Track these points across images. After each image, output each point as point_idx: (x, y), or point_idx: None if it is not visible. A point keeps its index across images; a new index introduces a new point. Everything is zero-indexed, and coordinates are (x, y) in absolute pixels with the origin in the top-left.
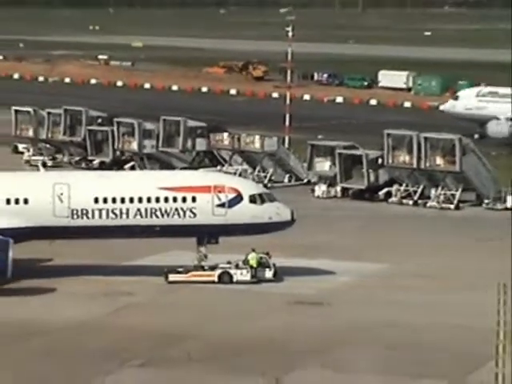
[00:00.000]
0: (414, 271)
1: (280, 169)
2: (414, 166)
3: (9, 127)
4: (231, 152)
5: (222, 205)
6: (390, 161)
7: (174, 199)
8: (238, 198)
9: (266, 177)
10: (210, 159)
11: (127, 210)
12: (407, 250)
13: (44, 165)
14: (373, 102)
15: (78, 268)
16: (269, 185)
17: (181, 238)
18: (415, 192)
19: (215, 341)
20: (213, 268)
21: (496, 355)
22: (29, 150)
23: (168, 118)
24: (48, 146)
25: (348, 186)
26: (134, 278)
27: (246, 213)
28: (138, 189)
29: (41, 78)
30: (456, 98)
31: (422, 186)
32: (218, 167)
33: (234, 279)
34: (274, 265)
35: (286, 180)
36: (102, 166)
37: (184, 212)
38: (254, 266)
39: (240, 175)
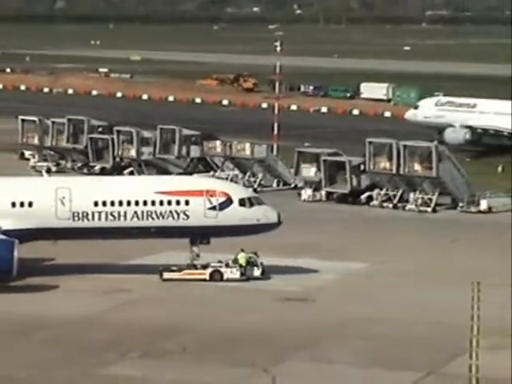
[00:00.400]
0: (394, 270)
1: (269, 174)
2: (394, 171)
3: (16, 135)
4: (223, 158)
5: (214, 208)
6: (372, 167)
7: (169, 202)
8: (229, 202)
9: (255, 182)
10: (204, 165)
11: (125, 212)
12: (388, 249)
13: (49, 170)
14: (355, 111)
15: (79, 267)
16: (258, 189)
17: (175, 239)
18: (395, 196)
19: (208, 334)
20: (205, 267)
21: (470, 348)
22: (34, 157)
23: (164, 127)
24: (52, 152)
25: (332, 191)
26: (132, 276)
27: (235, 215)
28: (135, 193)
29: (46, 90)
30: (416, 108)
31: (401, 191)
32: (211, 173)
33: (225, 277)
34: (261, 264)
35: (275, 185)
36: (103, 172)
37: (178, 214)
38: (243, 264)
39: (231, 180)
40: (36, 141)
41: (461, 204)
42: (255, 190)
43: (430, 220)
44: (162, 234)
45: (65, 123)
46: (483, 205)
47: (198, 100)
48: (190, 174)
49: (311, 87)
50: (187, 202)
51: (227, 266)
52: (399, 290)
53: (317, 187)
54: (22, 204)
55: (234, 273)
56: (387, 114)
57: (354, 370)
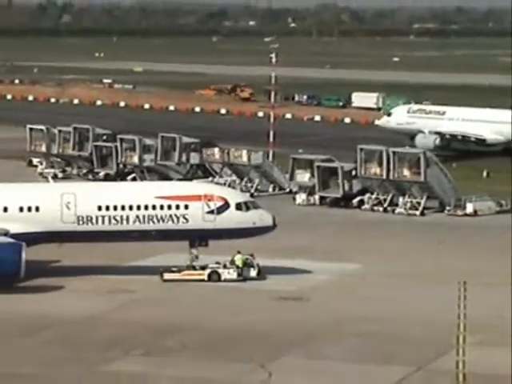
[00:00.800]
0: (385, 270)
1: (265, 180)
2: (384, 177)
3: (24, 143)
4: (221, 165)
5: (212, 212)
6: (363, 172)
7: (169, 207)
8: (226, 206)
9: (252, 187)
10: (203, 171)
11: (127, 216)
12: (379, 251)
13: (55, 177)
14: (347, 120)
15: (83, 268)
16: (255, 194)
17: (175, 242)
18: (385, 200)
19: (207, 332)
20: (203, 268)
21: (457, 345)
22: (42, 164)
23: (165, 135)
24: (59, 159)
25: (325, 195)
26: (134, 277)
27: (232, 219)
28: (137, 198)
29: (52, 100)
30: (389, 115)
31: (391, 195)
32: (210, 178)
33: (222, 278)
34: (257, 265)
35: (271, 190)
36: (107, 178)
37: (177, 218)
38: (240, 265)
39: (229, 186)
40: (43, 148)
41: (448, 207)
42: (252, 195)
43: (419, 223)
44: (163, 237)
45: (71, 132)
46: (469, 208)
47: (197, 109)
48: (190, 179)
49: (305, 97)
50: (186, 207)
51: (225, 267)
52: (390, 289)
53: (311, 192)
54: (29, 209)
55: (232, 273)
56: (377, 122)
57: (346, 365)
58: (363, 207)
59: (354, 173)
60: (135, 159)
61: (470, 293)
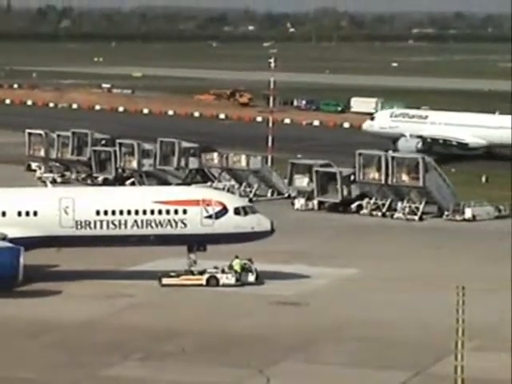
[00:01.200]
0: (384, 275)
1: (264, 184)
2: (383, 181)
3: (23, 148)
4: (220, 170)
5: (210, 216)
6: (361, 177)
7: (167, 211)
8: (224, 211)
9: (251, 192)
10: (202, 176)
11: (125, 221)
12: (377, 256)
13: (54, 181)
14: (346, 125)
15: (82, 273)
16: (254, 199)
17: (173, 246)
18: (383, 205)
19: (206, 337)
20: (201, 273)
21: (455, 350)
22: (40, 168)
23: (164, 140)
24: (57, 164)
25: (324, 200)
26: (133, 281)
27: (230, 223)
28: (135, 202)
29: (51, 104)
30: (373, 119)
31: (389, 200)
32: (209, 183)
33: (220, 283)
34: (255, 270)
35: (269, 194)
36: (106, 183)
37: (176, 223)
38: (238, 270)
39: (228, 190)
40: (42, 153)
41: (446, 213)
42: (250, 200)
43: (417, 228)
44: (161, 242)
45: (69, 136)
46: (468, 213)
47: (196, 114)
48: (189, 184)
49: (304, 102)
50: (185, 211)
51: (223, 271)
52: (389, 294)
53: (309, 197)
54: (27, 213)
55: (230, 278)
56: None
57: (345, 370)
58: (362, 212)
59: (352, 178)
60: (134, 164)
61: (468, 298)
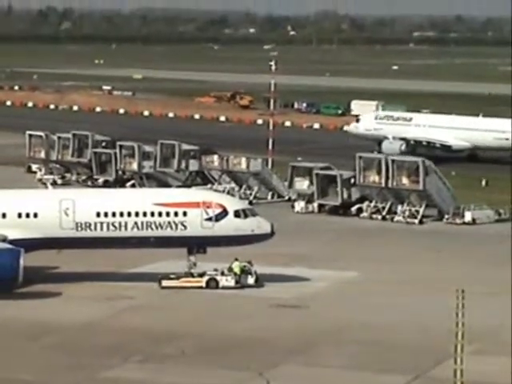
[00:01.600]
0: (383, 278)
1: (264, 187)
2: (383, 185)
3: (23, 149)
4: (220, 172)
5: (210, 219)
6: (362, 180)
7: (167, 214)
8: (224, 213)
9: (251, 194)
10: (202, 178)
11: (126, 223)
12: (377, 259)
13: (54, 183)
14: (346, 128)
15: (82, 275)
16: (254, 201)
17: (173, 249)
18: (383, 208)
19: (206, 339)
20: (201, 275)
21: (455, 353)
22: (41, 170)
23: (164, 142)
24: (58, 166)
25: (324, 203)
26: (133, 283)
27: (230, 226)
28: (136, 204)
29: (52, 106)
30: (358, 121)
31: (389, 203)
32: (209, 185)
33: (220, 285)
34: (255, 272)
35: (269, 197)
36: (106, 185)
37: (176, 225)
38: (238, 273)
39: (228, 193)
40: (42, 155)
41: (446, 216)
42: (251, 202)
43: (417, 231)
44: (161, 244)
45: (70, 138)
46: (468, 217)
47: (196, 116)
48: (189, 186)
49: (304, 104)
50: (185, 213)
51: (223, 274)
52: (389, 297)
53: (309, 200)
54: (27, 215)
55: (229, 281)
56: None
57: (345, 373)
58: (362, 215)
59: (352, 181)
60: (134, 166)
61: (468, 301)
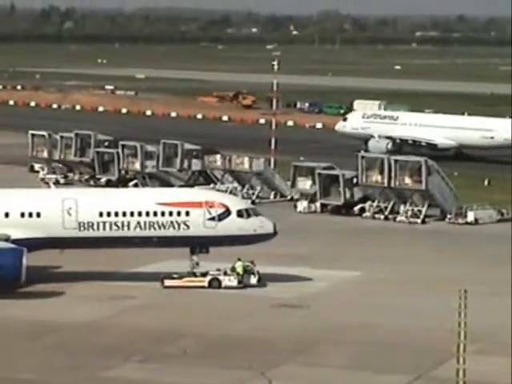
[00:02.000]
0: (386, 278)
1: (266, 187)
2: (385, 184)
3: (26, 149)
4: (223, 172)
5: (213, 218)
6: (364, 180)
7: (170, 213)
8: (227, 213)
9: (254, 194)
10: (205, 178)
11: (128, 222)
12: (379, 259)
13: (57, 182)
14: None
15: (84, 274)
16: (256, 201)
17: (176, 248)
18: (386, 208)
19: (208, 339)
20: (204, 274)
21: (457, 353)
22: (43, 169)
23: (167, 141)
24: (61, 165)
25: (327, 203)
26: (135, 283)
27: (233, 226)
28: (138, 204)
29: (54, 106)
30: (345, 120)
31: (392, 203)
32: (212, 185)
33: (223, 285)
34: (258, 272)
35: (272, 197)
36: (109, 184)
37: (179, 225)
38: (241, 273)
39: (231, 192)
40: (45, 154)
41: (449, 216)
42: (253, 202)
43: (420, 231)
44: (164, 244)
45: (72, 138)
46: (470, 216)
47: (199, 116)
48: (191, 186)
49: (307, 104)
50: (187, 213)
51: (225, 274)
52: (391, 297)
53: (312, 199)
54: (30, 214)
55: (232, 280)
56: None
57: (346, 373)
58: (364, 215)
59: (355, 180)
60: (137, 165)
61: (470, 301)
